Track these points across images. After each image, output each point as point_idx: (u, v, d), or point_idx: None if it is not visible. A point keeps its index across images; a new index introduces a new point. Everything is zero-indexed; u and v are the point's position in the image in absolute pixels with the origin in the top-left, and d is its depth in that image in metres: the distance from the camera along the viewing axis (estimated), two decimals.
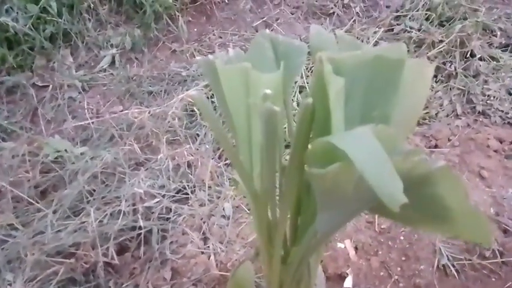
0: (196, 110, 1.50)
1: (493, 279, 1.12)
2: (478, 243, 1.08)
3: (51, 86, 1.67)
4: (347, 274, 1.14)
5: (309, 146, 0.49)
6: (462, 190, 0.40)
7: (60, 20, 1.74)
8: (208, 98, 1.58)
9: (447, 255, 1.15)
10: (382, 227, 1.23)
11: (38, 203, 1.25)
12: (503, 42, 1.88)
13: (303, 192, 0.50)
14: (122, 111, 1.55)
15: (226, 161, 1.38)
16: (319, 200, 0.43)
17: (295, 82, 1.61)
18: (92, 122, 1.50)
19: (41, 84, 1.69)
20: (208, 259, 1.17)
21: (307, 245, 0.50)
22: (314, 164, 0.43)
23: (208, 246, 1.19)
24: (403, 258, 1.16)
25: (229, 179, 1.33)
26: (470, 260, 1.15)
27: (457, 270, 1.13)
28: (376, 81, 0.43)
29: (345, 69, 0.43)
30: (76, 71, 1.75)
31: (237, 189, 1.20)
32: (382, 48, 0.45)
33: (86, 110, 1.57)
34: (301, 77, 1.66)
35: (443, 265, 1.14)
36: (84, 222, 1.21)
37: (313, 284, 0.62)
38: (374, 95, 0.44)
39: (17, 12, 1.68)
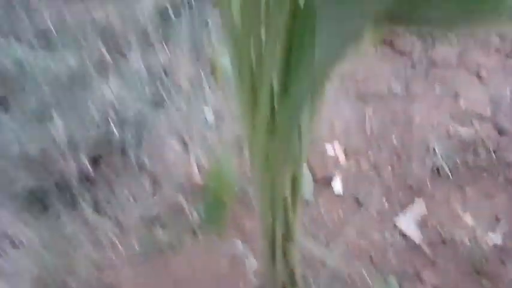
0: (170, 8, 1.33)
1: (485, 175, 1.08)
2: None
3: None
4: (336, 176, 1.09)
5: None
6: None
7: None
8: None
9: (441, 155, 1.10)
10: (373, 128, 1.16)
11: None
12: None
13: (295, 26, 0.39)
14: (87, 11, 1.37)
15: (204, 63, 1.25)
16: (320, 13, 0.33)
17: None
18: (54, 25, 1.33)
19: None
20: (190, 166, 1.10)
21: (300, 94, 0.41)
22: None
23: (189, 153, 1.12)
24: (395, 158, 1.11)
25: (208, 82, 1.21)
26: (463, 159, 1.10)
27: (450, 170, 1.08)
28: None
29: None
30: None
31: (216, 74, 1.10)
32: None
33: (47, 13, 1.39)
34: None
35: (436, 165, 1.10)
36: (51, 130, 1.10)
37: (305, 159, 0.55)
38: None
39: None
